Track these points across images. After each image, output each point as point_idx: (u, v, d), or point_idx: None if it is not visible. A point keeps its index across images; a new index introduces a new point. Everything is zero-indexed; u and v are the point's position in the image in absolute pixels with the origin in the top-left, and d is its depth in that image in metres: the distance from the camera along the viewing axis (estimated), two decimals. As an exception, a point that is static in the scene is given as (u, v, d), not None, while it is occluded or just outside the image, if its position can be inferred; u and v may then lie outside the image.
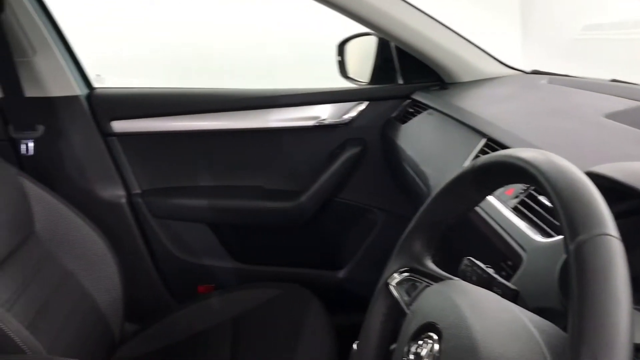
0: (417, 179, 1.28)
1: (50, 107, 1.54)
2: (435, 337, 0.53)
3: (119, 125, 1.59)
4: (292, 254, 1.75)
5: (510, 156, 0.53)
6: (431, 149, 1.30)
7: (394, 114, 1.55)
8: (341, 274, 1.73)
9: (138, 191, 1.65)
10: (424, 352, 0.53)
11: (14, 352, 1.04)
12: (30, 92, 1.50)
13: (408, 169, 1.36)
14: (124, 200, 1.64)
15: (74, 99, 1.55)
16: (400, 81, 1.59)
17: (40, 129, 1.52)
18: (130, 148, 1.63)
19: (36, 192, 1.38)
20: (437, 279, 0.64)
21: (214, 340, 1.42)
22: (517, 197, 0.80)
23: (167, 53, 2.10)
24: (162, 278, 1.72)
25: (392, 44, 1.55)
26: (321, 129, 1.61)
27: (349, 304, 1.52)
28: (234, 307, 1.51)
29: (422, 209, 0.68)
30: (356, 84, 1.63)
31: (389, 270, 0.73)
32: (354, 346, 0.96)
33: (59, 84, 1.53)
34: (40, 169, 1.52)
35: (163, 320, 1.54)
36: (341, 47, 1.64)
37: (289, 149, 1.65)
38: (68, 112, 1.55)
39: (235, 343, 1.39)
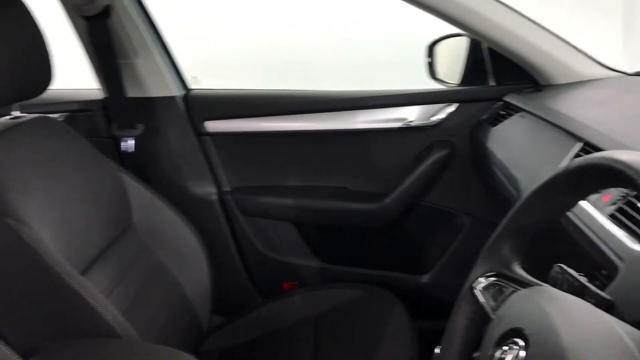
0: (506, 183, 1.24)
1: (150, 107, 1.63)
2: (521, 343, 0.51)
3: (213, 125, 1.66)
4: (375, 256, 1.74)
5: (607, 158, 0.50)
6: (523, 152, 1.26)
7: (484, 117, 1.51)
8: (425, 278, 1.71)
9: (228, 189, 1.71)
10: (508, 358, 0.51)
11: (111, 337, 1.10)
12: (131, 92, 1.59)
13: (498, 172, 1.32)
14: (214, 197, 1.70)
15: (171, 99, 1.63)
16: (492, 83, 1.55)
17: (140, 127, 1.60)
18: (222, 147, 1.69)
19: (134, 187, 1.46)
20: (525, 284, 0.62)
21: (297, 338, 1.44)
22: (614, 204, 0.76)
23: (261, 55, 2.17)
24: (249, 274, 1.77)
25: (484, 45, 1.51)
26: (408, 131, 1.60)
27: (432, 309, 1.50)
28: (317, 306, 1.52)
29: (511, 212, 0.66)
30: (446, 86, 1.60)
31: (474, 275, 0.71)
32: (436, 350, 0.94)
33: (158, 85, 1.61)
34: (138, 165, 1.61)
35: (249, 315, 1.58)
36: (431, 49, 1.62)
37: (375, 150, 1.65)
38: (165, 112, 1.64)
39: (317, 341, 1.40)
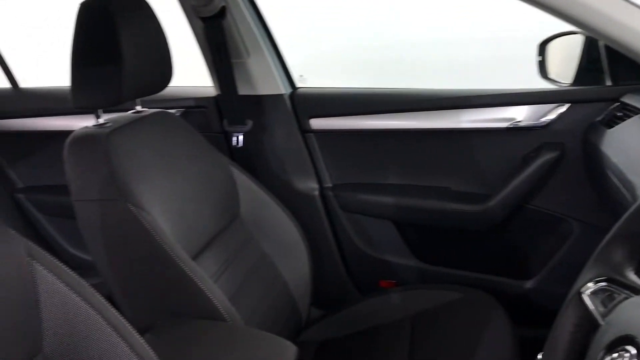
0: (621, 188, 1.17)
1: (259, 104, 1.70)
2: (633, 351, 0.49)
3: (317, 123, 1.70)
4: (476, 258, 1.71)
5: None
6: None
7: (598, 118, 1.44)
8: (528, 284, 1.65)
9: (330, 185, 1.75)
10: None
11: (218, 320, 1.17)
12: (242, 90, 1.67)
13: (612, 177, 1.25)
14: (316, 192, 1.74)
15: (279, 97, 1.69)
16: (609, 83, 1.47)
17: (249, 123, 1.68)
18: (325, 144, 1.73)
19: (243, 180, 1.53)
20: (639, 291, 0.59)
21: (393, 335, 1.45)
22: None
23: (366, 54, 2.19)
24: (347, 269, 1.80)
25: (601, 43, 1.44)
26: (515, 131, 1.56)
27: (534, 316, 1.46)
28: (414, 305, 1.52)
29: (625, 216, 0.63)
30: (557, 86, 1.54)
31: (582, 279, 0.69)
32: (539, 357, 0.92)
33: (267, 83, 1.68)
34: (246, 160, 1.68)
35: (346, 309, 1.61)
36: (542, 47, 1.56)
37: (480, 150, 1.62)
38: (273, 109, 1.70)
39: (413, 340, 1.40)
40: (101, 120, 1.28)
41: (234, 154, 1.70)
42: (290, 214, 1.56)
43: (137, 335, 0.89)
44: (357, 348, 1.46)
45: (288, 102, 1.70)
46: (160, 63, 1.33)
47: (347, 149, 1.73)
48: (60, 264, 0.87)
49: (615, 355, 0.51)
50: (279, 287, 1.52)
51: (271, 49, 1.69)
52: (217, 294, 1.19)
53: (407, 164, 1.70)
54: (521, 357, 1.28)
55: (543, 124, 1.52)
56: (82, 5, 1.20)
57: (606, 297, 0.64)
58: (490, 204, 1.59)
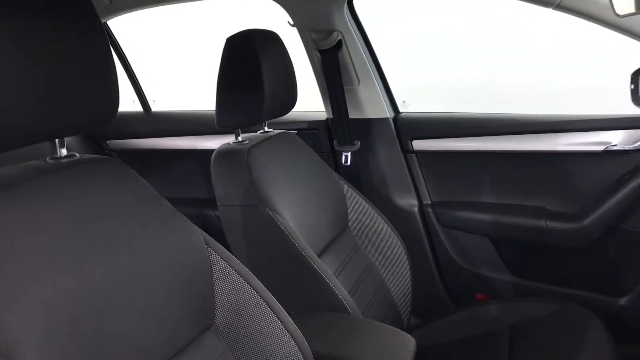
0: None
1: (366, 127, 1.87)
2: None
3: (418, 144, 1.86)
4: (570, 274, 1.79)
5: None
6: None
7: None
8: (623, 301, 1.71)
9: (429, 202, 1.89)
10: None
11: (341, 312, 1.33)
12: (352, 114, 1.85)
13: None
14: (416, 209, 1.89)
15: (384, 120, 1.86)
16: None
17: (358, 144, 1.86)
18: (425, 164, 1.88)
19: (351, 195, 1.70)
20: None
21: (492, 345, 1.53)
22: None
23: (462, 83, 2.32)
24: (443, 281, 1.92)
25: None
26: (610, 154, 1.65)
27: (630, 333, 1.51)
28: (511, 316, 1.61)
29: None
30: None
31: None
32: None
33: (374, 108, 1.86)
34: (353, 177, 1.85)
35: (444, 319, 1.72)
36: (636, 76, 1.65)
37: (575, 172, 1.71)
38: (379, 131, 1.87)
39: (512, 351, 1.48)
40: (240, 138, 1.49)
41: (342, 171, 1.87)
42: (393, 227, 1.70)
43: (289, 319, 1.06)
44: (457, 355, 1.56)
45: (392, 125, 1.86)
46: (289, 89, 1.53)
47: (446, 169, 1.87)
48: (229, 253, 1.06)
49: None
50: (384, 294, 1.66)
51: (378, 76, 1.87)
52: (340, 289, 1.34)
53: (503, 184, 1.81)
54: None
55: (638, 147, 1.61)
56: (229, 40, 1.42)
57: None
58: (584, 223, 1.68)
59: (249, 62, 1.39)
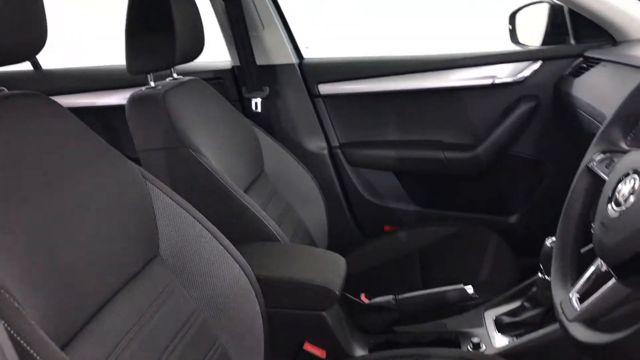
0: (594, 122, 1.44)
1: (273, 73, 1.90)
2: (636, 176, 0.74)
3: (324, 88, 1.92)
4: (467, 200, 1.97)
5: None
6: (608, 93, 1.45)
7: (567, 71, 1.72)
8: (512, 219, 1.92)
9: (337, 144, 1.97)
10: (628, 185, 0.74)
11: (272, 240, 1.38)
12: (259, 60, 1.88)
13: (583, 114, 1.52)
14: (325, 151, 1.96)
15: (290, 66, 1.91)
16: (572, 42, 1.75)
17: (266, 89, 1.89)
18: (332, 107, 1.95)
19: (265, 140, 1.74)
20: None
21: (406, 268, 1.67)
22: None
23: (362, 24, 2.39)
24: (354, 217, 2.03)
25: (566, 8, 1.71)
26: (497, 87, 1.82)
27: (519, 247, 1.69)
28: (419, 241, 1.75)
29: (621, 103, 0.89)
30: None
31: (588, 156, 0.94)
32: (547, 242, 1.17)
33: (280, 54, 1.89)
34: (264, 124, 1.88)
35: (358, 250, 1.83)
36: (512, 17, 1.83)
37: (467, 106, 1.87)
38: (285, 77, 1.91)
39: (424, 270, 1.63)
40: (152, 84, 1.47)
41: (252, 118, 1.89)
42: (307, 169, 1.77)
43: (231, 245, 1.09)
44: (374, 281, 1.67)
45: (298, 70, 1.91)
46: (198, 32, 1.53)
47: (352, 111, 1.96)
48: (166, 186, 1.07)
49: (626, 179, 0.75)
50: (303, 232, 1.73)
51: (281, 22, 1.90)
52: (269, 220, 1.39)
53: (405, 122, 1.94)
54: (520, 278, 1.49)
55: (520, 79, 1.79)
56: None
57: (609, 162, 0.88)
58: (477, 152, 1.86)
59: (159, 4, 1.37)
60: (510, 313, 1.30)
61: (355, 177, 1.99)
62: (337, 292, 1.18)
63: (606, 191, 0.80)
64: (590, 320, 0.78)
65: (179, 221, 1.06)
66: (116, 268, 0.91)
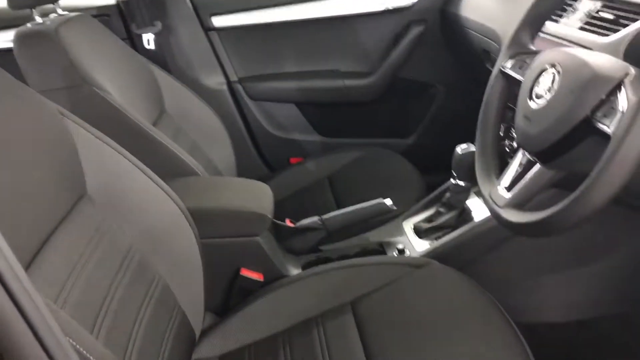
0: (484, 39, 1.54)
1: (162, 6, 1.81)
2: (555, 70, 0.82)
3: (218, 21, 1.87)
4: (367, 126, 2.04)
5: None
6: (495, 9, 1.55)
7: None
8: (410, 140, 2.03)
9: (236, 78, 1.94)
10: (547, 79, 0.83)
11: (190, 174, 1.35)
12: (147, -7, 1.77)
13: (472, 32, 1.62)
14: (224, 86, 1.93)
15: None
16: None
17: (159, 24, 1.79)
18: (227, 40, 1.90)
19: (163, 77, 1.67)
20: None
21: (318, 193, 1.71)
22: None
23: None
24: (259, 151, 2.03)
25: None
26: (388, 13, 1.87)
27: (423, 165, 1.79)
28: (326, 169, 1.80)
29: (528, 8, 0.97)
30: None
31: (500, 61, 1.02)
32: (458, 150, 1.26)
33: None
34: (158, 60, 1.80)
35: (269, 182, 1.84)
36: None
37: (361, 33, 1.92)
38: (176, 10, 1.83)
39: (336, 193, 1.69)
40: (39, 20, 1.34)
41: (146, 56, 1.80)
42: (209, 106, 1.74)
43: (160, 180, 1.06)
44: (288, 208, 1.68)
45: (189, 2, 1.83)
46: None
47: (248, 44, 1.93)
48: (86, 123, 1.01)
49: (542, 79, 0.83)
50: (212, 170, 1.70)
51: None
52: (184, 154, 1.36)
53: (302, 52, 1.95)
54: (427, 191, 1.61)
55: (408, 4, 1.86)
56: None
57: (522, 64, 0.97)
58: (373, 79, 1.92)
59: None
60: (427, 220, 1.40)
61: (257, 111, 1.98)
62: (269, 216, 1.20)
63: (525, 88, 0.88)
64: (519, 204, 0.87)
65: (104, 157, 1.01)
66: (43, 211, 0.85)
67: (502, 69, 1.01)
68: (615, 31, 0.94)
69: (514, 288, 1.20)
